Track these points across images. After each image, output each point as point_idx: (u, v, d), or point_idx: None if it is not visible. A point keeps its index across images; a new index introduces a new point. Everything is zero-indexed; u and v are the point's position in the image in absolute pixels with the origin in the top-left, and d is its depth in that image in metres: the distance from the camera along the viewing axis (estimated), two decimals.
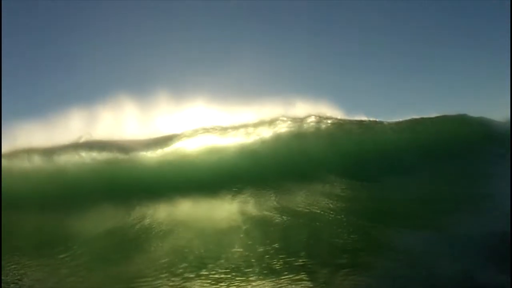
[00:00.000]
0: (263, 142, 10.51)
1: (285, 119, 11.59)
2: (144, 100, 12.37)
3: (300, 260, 4.40)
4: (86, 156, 9.08)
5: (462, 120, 13.80)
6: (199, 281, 4.13)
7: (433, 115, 13.51)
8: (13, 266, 4.96)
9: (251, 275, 4.16)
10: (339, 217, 6.12)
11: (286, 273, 4.10)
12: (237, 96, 20.68)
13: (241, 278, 4.12)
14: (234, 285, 3.99)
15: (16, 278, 4.64)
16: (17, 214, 6.77)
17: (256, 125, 11.16)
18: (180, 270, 4.41)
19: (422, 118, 13.40)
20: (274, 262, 4.41)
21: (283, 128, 11.26)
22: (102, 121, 11.08)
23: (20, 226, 6.37)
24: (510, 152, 10.46)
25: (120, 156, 9.13)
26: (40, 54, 31.81)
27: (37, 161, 9.04)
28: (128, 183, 7.94)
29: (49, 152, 9.20)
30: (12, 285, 4.44)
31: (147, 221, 6.31)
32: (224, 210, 6.75)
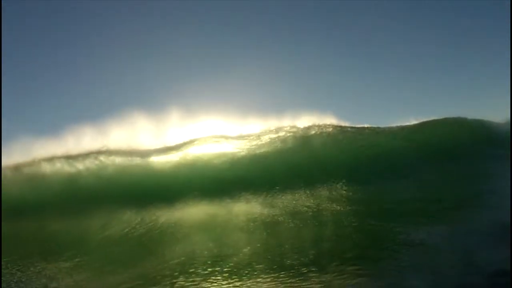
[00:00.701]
0: (269, 148, 10.69)
1: (288, 127, 11.81)
2: (155, 114, 12.70)
3: (311, 257, 4.46)
4: (105, 163, 9.36)
5: (461, 123, 13.78)
6: (213, 279, 4.19)
7: (431, 118, 13.59)
8: (34, 268, 5.16)
9: (264, 272, 4.22)
10: (347, 216, 6.19)
11: (297, 270, 4.14)
12: (245, 110, 21.06)
13: (253, 274, 4.18)
14: (246, 281, 4.06)
15: (36, 276, 4.83)
16: (42, 216, 7.06)
17: (262, 133, 11.43)
18: (194, 269, 4.50)
19: (424, 122, 13.47)
20: (286, 260, 4.47)
21: (288, 136, 11.44)
22: (117, 135, 11.38)
23: (46, 228, 6.63)
24: (510, 152, 10.42)
25: (136, 161, 9.42)
26: (51, 71, 32.41)
27: (57, 168, 9.35)
28: (145, 186, 8.21)
29: (70, 160, 9.52)
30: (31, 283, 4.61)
31: (161, 222, 6.53)
32: (235, 212, 6.85)
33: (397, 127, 13.16)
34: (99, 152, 9.81)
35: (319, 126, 12.13)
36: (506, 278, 3.38)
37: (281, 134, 11.54)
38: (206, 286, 4.05)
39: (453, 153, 11.04)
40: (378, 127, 13.07)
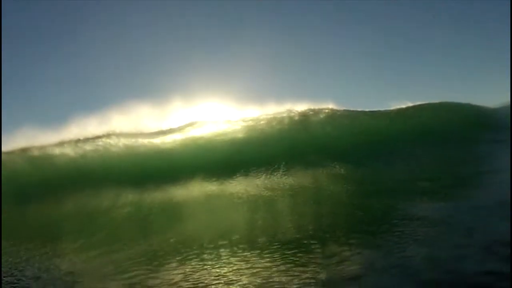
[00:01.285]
0: (268, 130, 10.73)
1: (287, 111, 11.80)
2: (158, 102, 12.76)
3: (312, 232, 4.40)
4: (112, 145, 9.39)
5: (455, 107, 13.80)
6: (217, 254, 4.15)
7: (427, 102, 13.59)
8: (43, 248, 5.15)
9: (266, 245, 4.16)
10: (347, 194, 6.19)
11: (299, 243, 4.10)
12: (244, 99, 21.22)
13: (256, 248, 4.13)
14: (249, 254, 4.01)
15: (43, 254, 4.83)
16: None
17: (261, 117, 11.46)
18: (198, 245, 4.45)
19: (419, 105, 13.46)
20: (287, 235, 4.44)
21: (287, 119, 11.44)
22: (121, 122, 11.38)
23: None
24: (510, 135, 10.39)
25: (141, 142, 9.47)
26: (57, 66, 32.33)
27: (66, 151, 9.35)
28: (150, 165, 8.26)
29: (78, 144, 9.56)
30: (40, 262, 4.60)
31: (164, 199, 6.56)
32: (237, 190, 6.82)
33: (393, 110, 13.14)
34: (106, 136, 9.85)
35: (316, 110, 12.11)
36: (506, 249, 3.33)
37: (280, 117, 11.55)
38: (210, 258, 4.01)
39: (448, 135, 11.02)
40: (375, 111, 13.06)
